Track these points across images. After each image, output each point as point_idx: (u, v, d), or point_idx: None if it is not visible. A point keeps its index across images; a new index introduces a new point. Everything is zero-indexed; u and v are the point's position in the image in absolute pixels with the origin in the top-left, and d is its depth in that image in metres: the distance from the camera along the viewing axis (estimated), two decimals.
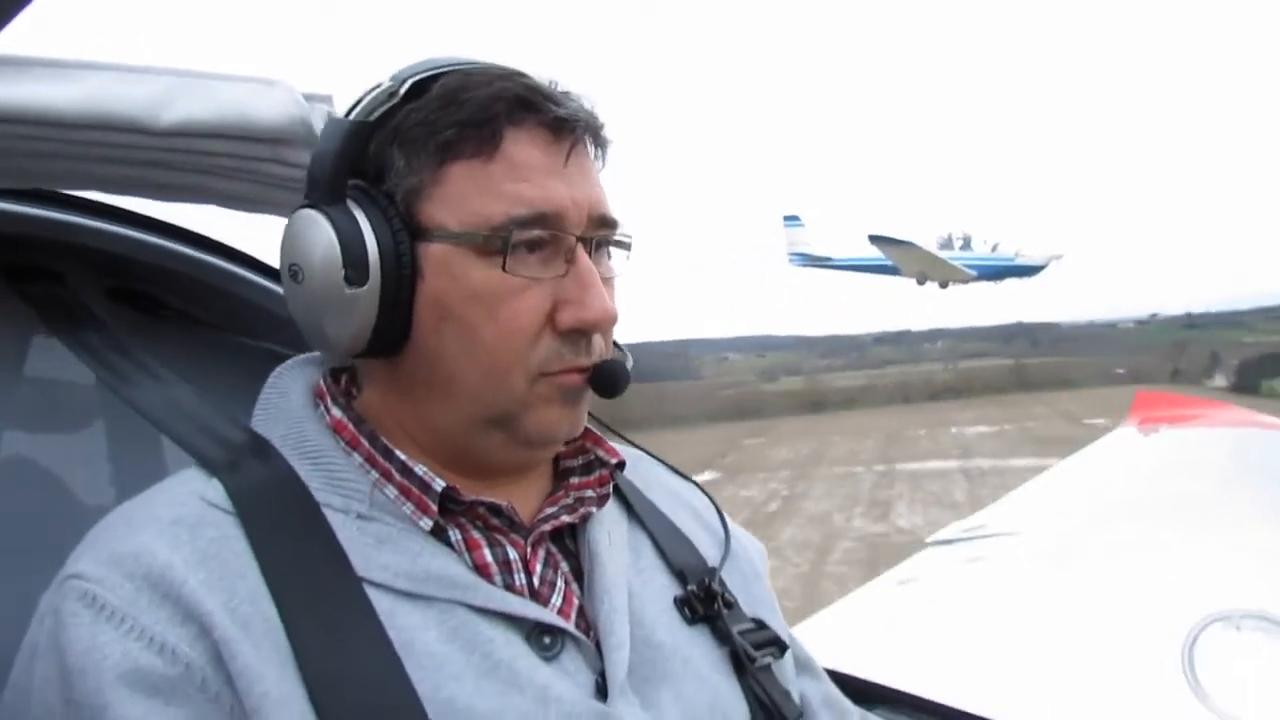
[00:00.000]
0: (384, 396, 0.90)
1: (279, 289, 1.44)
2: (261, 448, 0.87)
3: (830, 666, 1.16)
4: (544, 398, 0.85)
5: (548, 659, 0.83)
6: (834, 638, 2.26)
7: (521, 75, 0.87)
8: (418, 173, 0.84)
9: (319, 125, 1.12)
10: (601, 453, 0.96)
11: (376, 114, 0.85)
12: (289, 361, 0.96)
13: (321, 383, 0.93)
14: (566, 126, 0.85)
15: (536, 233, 0.83)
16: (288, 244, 0.87)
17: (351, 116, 0.86)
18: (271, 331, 1.41)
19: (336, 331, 0.85)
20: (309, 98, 1.12)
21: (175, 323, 1.42)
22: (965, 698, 1.66)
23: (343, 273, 0.83)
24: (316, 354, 0.97)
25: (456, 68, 0.87)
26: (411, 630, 0.78)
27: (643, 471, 1.07)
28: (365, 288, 0.83)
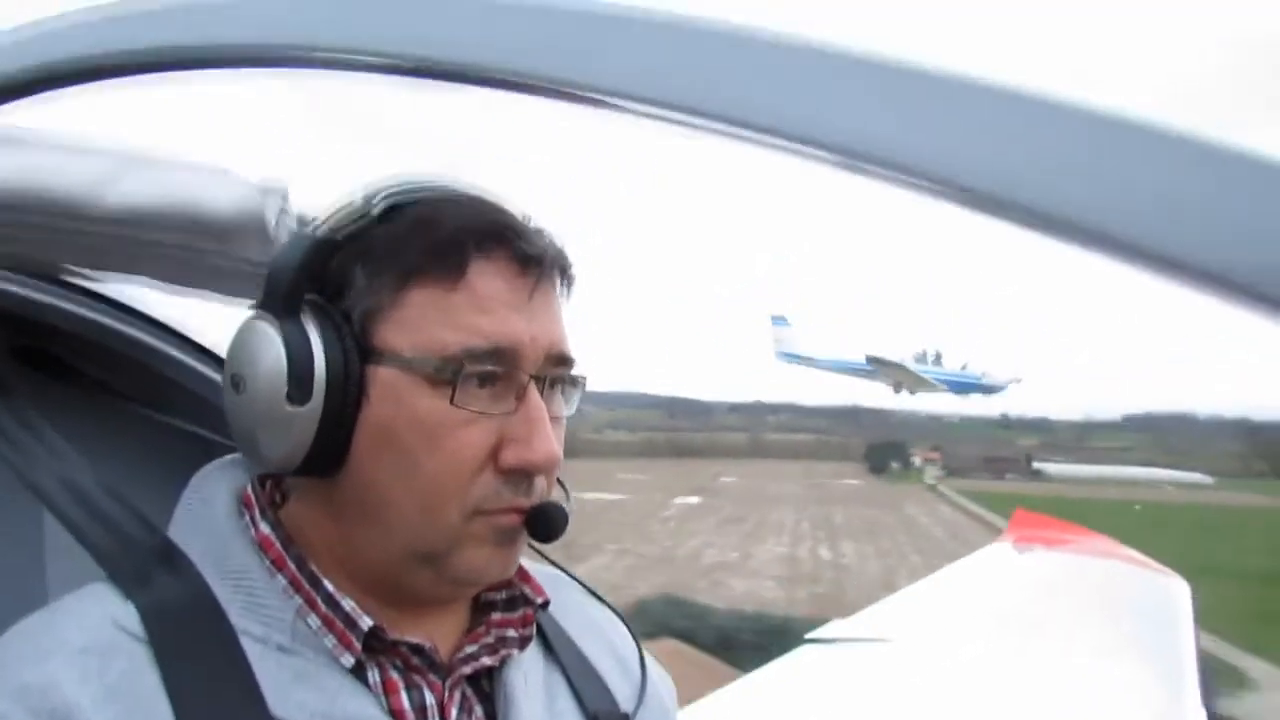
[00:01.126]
0: (313, 516, 0.87)
1: (203, 368, 1.38)
2: (177, 561, 0.83)
3: None
4: (477, 537, 0.83)
5: None
6: None
7: (495, 206, 0.86)
8: (377, 293, 0.82)
9: (272, 218, 1.08)
10: (527, 590, 0.94)
11: (344, 232, 0.83)
12: (214, 463, 0.92)
13: (249, 490, 0.89)
14: (534, 262, 0.84)
15: (489, 367, 0.81)
16: (234, 352, 0.84)
17: (319, 231, 0.84)
18: (196, 414, 1.33)
19: (271, 447, 0.82)
20: (262, 190, 1.07)
21: (87, 393, 1.33)
22: None
23: (285, 390, 0.80)
24: (241, 456, 0.93)
25: (431, 190, 0.85)
26: None
27: (562, 598, 1.03)
28: (307, 407, 0.80)
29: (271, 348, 0.81)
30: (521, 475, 0.83)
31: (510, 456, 0.82)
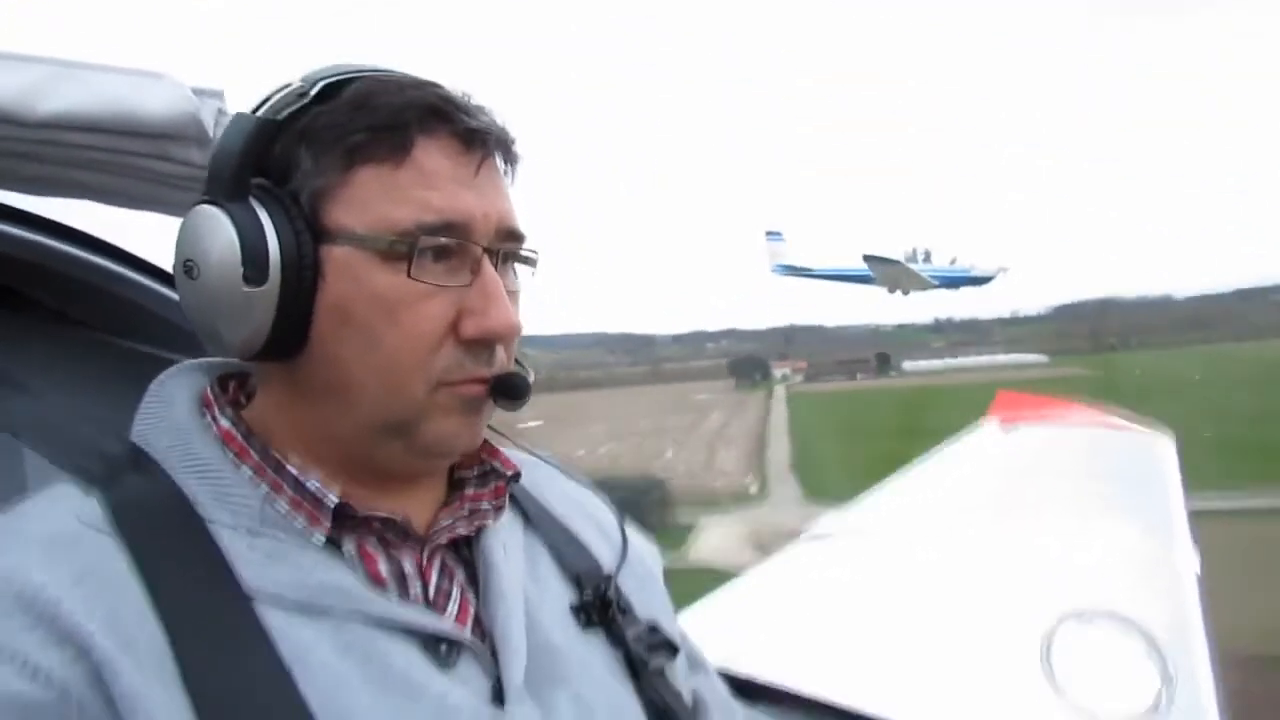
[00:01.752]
0: (279, 402, 0.87)
1: (161, 288, 1.37)
2: (143, 461, 0.84)
3: (716, 665, 1.18)
4: (443, 407, 0.84)
5: (444, 668, 0.82)
6: (716, 630, 2.29)
7: (435, 85, 0.86)
8: (324, 174, 0.82)
9: (210, 121, 1.08)
10: (498, 464, 0.95)
11: (285, 113, 0.83)
12: (173, 368, 0.92)
13: (208, 391, 0.90)
14: (478, 138, 0.85)
15: (443, 241, 0.82)
16: (184, 239, 0.84)
17: (258, 114, 0.84)
18: (153, 333, 1.34)
19: (231, 332, 0.82)
20: (199, 92, 1.07)
21: (45, 322, 1.33)
22: (839, 692, 1.70)
23: (241, 271, 0.80)
24: (203, 360, 0.93)
25: (370, 73, 0.86)
26: (304, 645, 0.77)
27: (540, 478, 1.06)
28: (264, 288, 0.81)
29: (222, 231, 0.81)
30: (482, 345, 0.84)
31: (470, 327, 0.83)
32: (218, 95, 1.09)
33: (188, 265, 0.83)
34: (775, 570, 3.15)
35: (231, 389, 0.91)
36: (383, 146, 0.82)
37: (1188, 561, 2.84)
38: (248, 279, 0.80)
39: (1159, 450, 3.93)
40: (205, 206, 0.83)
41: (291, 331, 0.82)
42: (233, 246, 0.80)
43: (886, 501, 3.74)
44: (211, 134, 1.08)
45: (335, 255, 0.82)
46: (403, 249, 0.81)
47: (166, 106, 1.04)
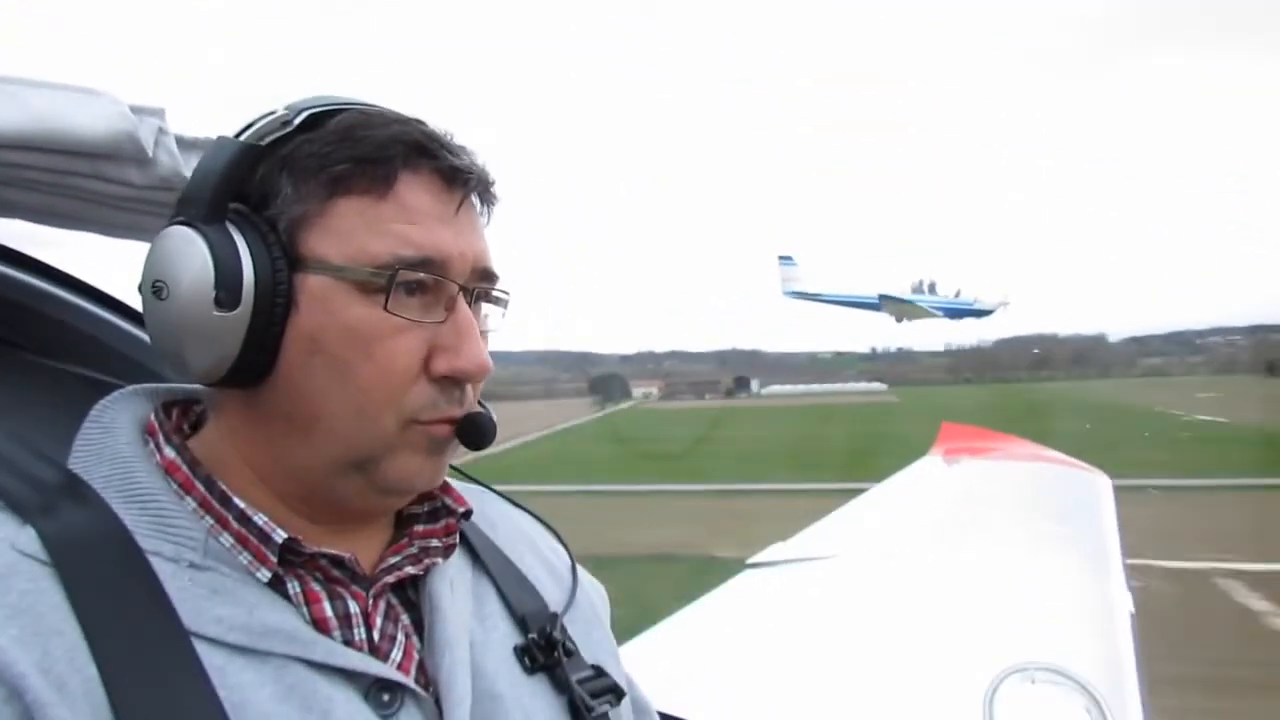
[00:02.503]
0: (234, 431, 0.85)
1: (96, 309, 1.33)
2: (79, 490, 0.81)
3: (660, 708, 1.17)
4: (411, 445, 0.84)
5: (387, 716, 0.81)
6: (659, 667, 2.28)
7: (419, 122, 0.86)
8: (304, 202, 0.82)
9: (149, 140, 1.05)
10: (449, 500, 0.94)
11: (268, 139, 0.83)
12: (114, 394, 0.89)
13: (152, 418, 0.87)
14: (460, 177, 0.85)
15: (420, 276, 0.82)
16: (155, 259, 0.82)
17: (242, 138, 0.83)
18: (86, 356, 1.30)
19: (198, 356, 0.81)
20: (137, 110, 1.04)
21: None
22: None
23: (214, 295, 0.79)
24: (146, 386, 0.91)
25: (355, 106, 0.86)
26: (244, 689, 0.75)
27: (490, 512, 1.05)
28: (235, 313, 0.79)
29: (196, 253, 0.80)
30: (453, 383, 0.84)
31: (442, 364, 0.83)
32: (157, 114, 1.06)
33: (156, 286, 0.81)
34: (720, 599, 3.16)
35: (175, 416, 0.89)
36: (365, 179, 0.82)
37: (1122, 600, 2.91)
38: (219, 303, 0.79)
39: (1096, 487, 4.03)
40: (179, 227, 0.82)
41: (258, 359, 0.81)
42: (206, 269, 0.79)
43: (832, 530, 3.77)
44: (150, 153, 1.05)
45: (310, 284, 0.81)
46: (380, 282, 0.81)
47: (103, 124, 1.02)
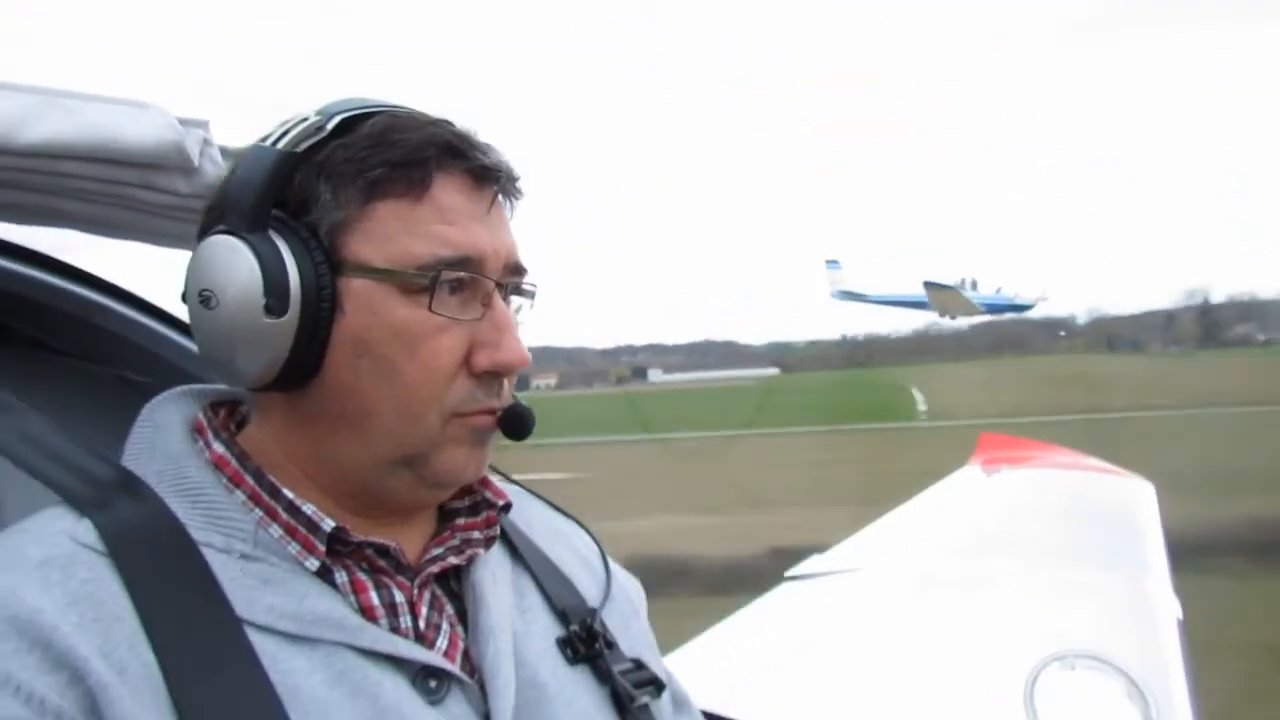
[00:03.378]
0: (279, 431, 0.87)
1: (142, 318, 1.37)
2: (133, 485, 0.83)
3: (701, 706, 1.18)
4: (455, 438, 0.86)
5: (434, 702, 0.82)
6: (701, 674, 2.29)
7: (448, 123, 0.88)
8: (344, 207, 0.83)
9: (194, 151, 1.08)
10: (489, 494, 0.96)
11: (303, 146, 0.84)
12: (163, 395, 0.92)
13: (200, 417, 0.90)
14: (490, 175, 0.87)
15: (461, 275, 0.84)
16: (200, 269, 0.84)
17: (278, 146, 0.85)
18: (135, 362, 1.34)
19: (248, 362, 0.83)
20: (184, 122, 1.08)
21: (23, 350, 1.32)
22: None
23: (264, 302, 0.81)
24: (193, 387, 0.94)
25: (385, 109, 0.87)
26: (296, 674, 0.77)
27: (526, 510, 1.06)
28: (285, 319, 0.81)
29: (244, 261, 0.82)
30: (493, 377, 0.86)
31: (483, 359, 0.85)
32: (203, 125, 1.09)
33: (204, 295, 0.83)
34: (761, 610, 3.15)
35: (223, 415, 0.91)
36: (402, 182, 0.83)
37: (1168, 606, 2.87)
38: (269, 310, 0.81)
39: (1138, 494, 3.97)
40: (224, 237, 0.83)
41: (306, 363, 0.83)
42: (254, 277, 0.81)
43: (872, 541, 3.75)
44: (196, 163, 1.08)
45: (354, 287, 0.83)
46: (423, 282, 0.83)
47: (152, 136, 1.05)
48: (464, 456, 0.87)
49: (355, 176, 0.83)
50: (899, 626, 2.86)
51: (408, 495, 0.88)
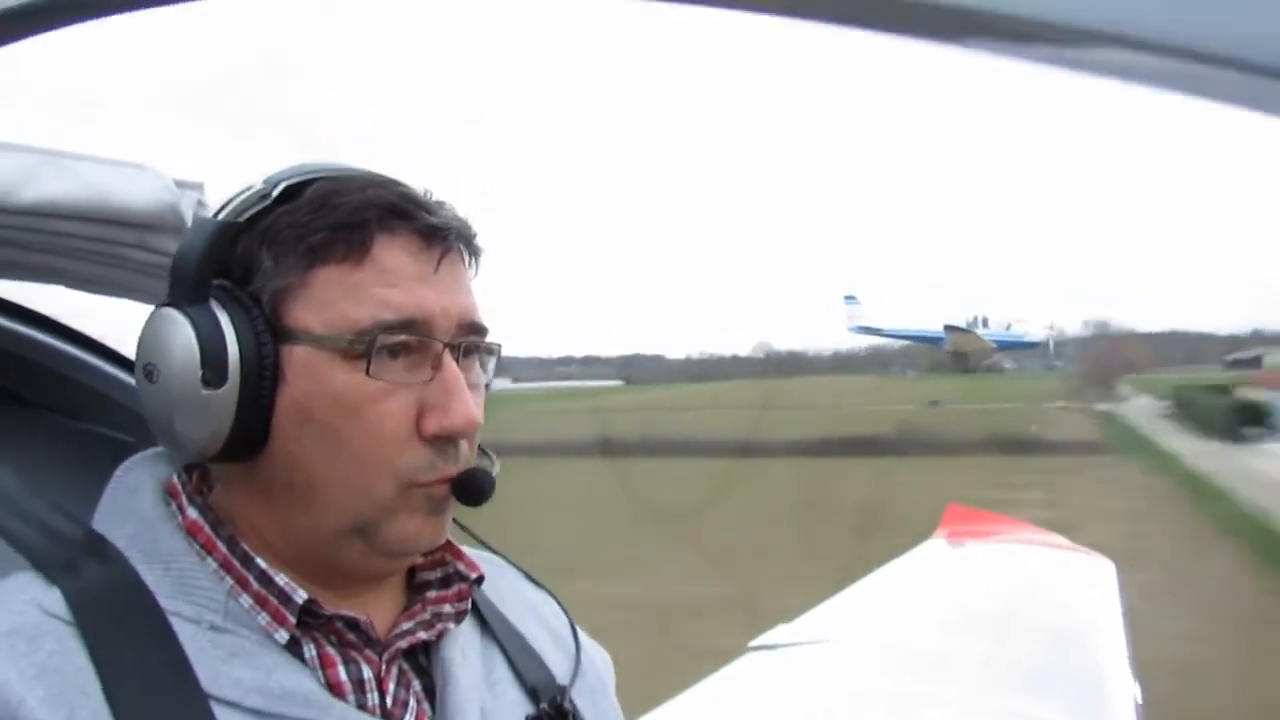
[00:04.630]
0: (239, 499, 0.87)
1: (118, 373, 1.37)
2: (103, 550, 0.82)
3: None
4: (410, 507, 0.84)
5: None
6: None
7: (396, 183, 0.87)
8: (285, 275, 0.83)
9: (189, 213, 1.10)
10: (461, 566, 0.95)
11: (246, 215, 0.84)
12: (136, 457, 0.91)
13: (174, 479, 0.89)
14: (438, 234, 0.86)
15: (401, 338, 0.83)
16: (144, 343, 0.84)
17: (221, 216, 0.85)
18: (111, 417, 1.34)
19: (190, 434, 0.82)
20: (180, 184, 1.10)
21: None
22: None
23: (200, 374, 0.80)
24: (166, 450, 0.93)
25: (331, 173, 0.87)
26: None
27: (498, 581, 1.05)
28: (223, 390, 0.81)
29: (181, 333, 0.81)
30: (445, 441, 0.84)
31: (431, 424, 0.83)
32: (197, 187, 1.11)
33: (148, 369, 0.83)
34: (725, 681, 3.14)
35: (196, 479, 0.90)
36: (342, 245, 0.82)
37: (1127, 689, 2.89)
38: (206, 381, 0.80)
39: (1098, 573, 4.02)
40: (165, 309, 0.83)
41: (251, 433, 0.82)
42: (191, 349, 0.80)
43: (836, 613, 3.76)
44: (189, 224, 1.09)
45: (296, 355, 0.82)
46: (361, 347, 0.81)
47: (148, 197, 1.07)
48: (418, 525, 0.85)
49: (296, 242, 0.83)
50: (866, 703, 2.87)
51: (362, 565, 0.86)
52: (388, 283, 0.83)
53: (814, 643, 3.42)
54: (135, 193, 1.06)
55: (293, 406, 0.82)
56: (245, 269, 0.84)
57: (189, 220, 1.10)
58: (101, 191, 1.04)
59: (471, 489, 0.86)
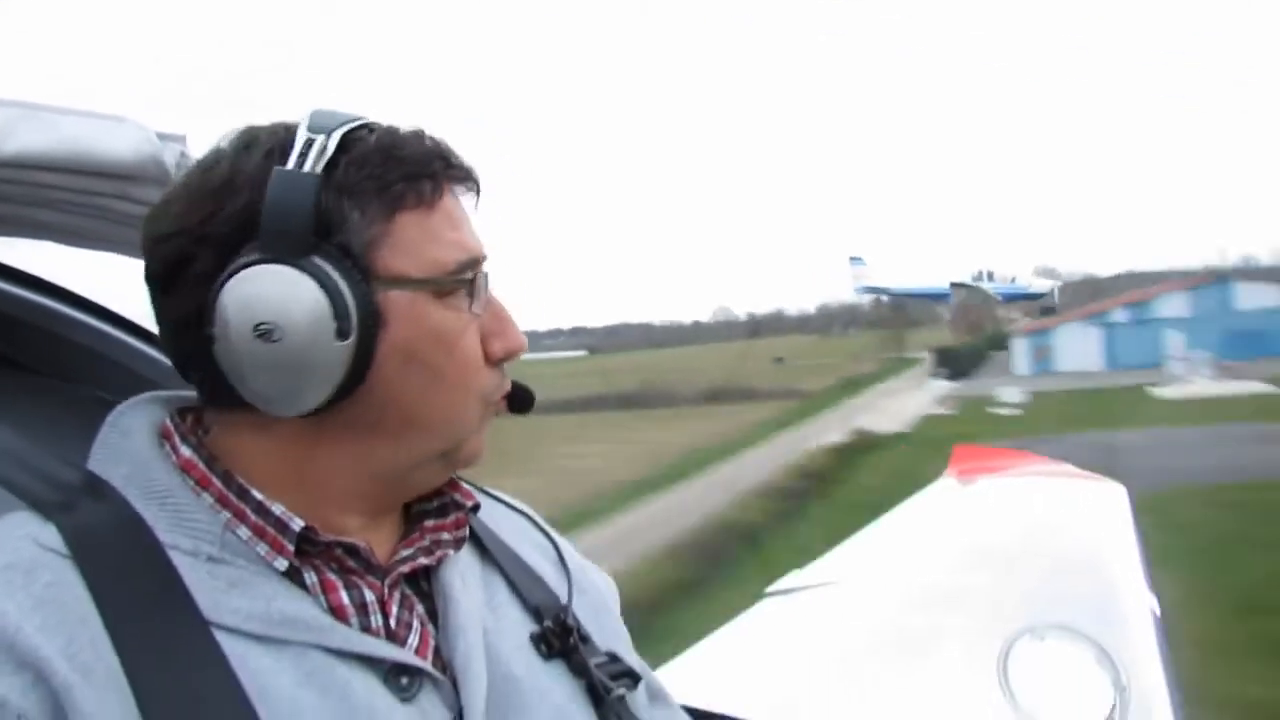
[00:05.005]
0: (271, 447, 0.86)
1: (114, 330, 1.38)
2: (99, 488, 0.83)
3: (683, 702, 1.18)
4: (485, 423, 0.93)
5: (405, 699, 0.83)
6: (686, 682, 2.30)
7: (423, 132, 0.91)
8: (371, 224, 0.85)
9: (172, 164, 1.10)
10: (457, 496, 0.97)
11: (318, 166, 0.83)
12: (129, 401, 0.92)
13: (167, 422, 0.90)
14: (470, 181, 0.93)
15: (473, 274, 0.89)
16: (252, 303, 0.80)
17: (300, 169, 0.83)
18: (105, 378, 1.34)
19: (317, 389, 0.82)
20: (162, 136, 1.10)
21: None
22: None
23: (334, 326, 0.81)
24: (160, 394, 0.93)
25: (366, 122, 0.87)
26: (265, 675, 0.77)
27: (493, 510, 1.08)
28: (351, 341, 0.82)
29: (305, 289, 0.80)
30: (504, 362, 0.93)
31: (498, 348, 0.92)
32: (180, 140, 1.11)
33: (263, 330, 0.80)
34: (740, 627, 3.15)
35: (190, 421, 0.91)
36: (415, 193, 0.86)
37: (1145, 600, 2.90)
38: (341, 333, 0.81)
39: (1111, 498, 4.02)
40: (274, 266, 0.81)
41: (358, 379, 0.84)
42: (320, 304, 0.80)
43: (849, 557, 3.76)
44: (173, 175, 1.09)
45: (394, 299, 0.85)
46: (455, 285, 0.87)
47: (129, 148, 1.07)
48: (483, 439, 0.94)
49: (379, 193, 0.85)
50: (883, 640, 2.88)
51: (428, 483, 0.94)
52: (453, 226, 0.89)
53: (828, 585, 3.43)
54: (116, 144, 1.07)
55: (396, 349, 0.85)
56: (329, 223, 0.83)
57: (172, 171, 1.10)
58: (82, 143, 1.04)
59: (526, 399, 0.98)
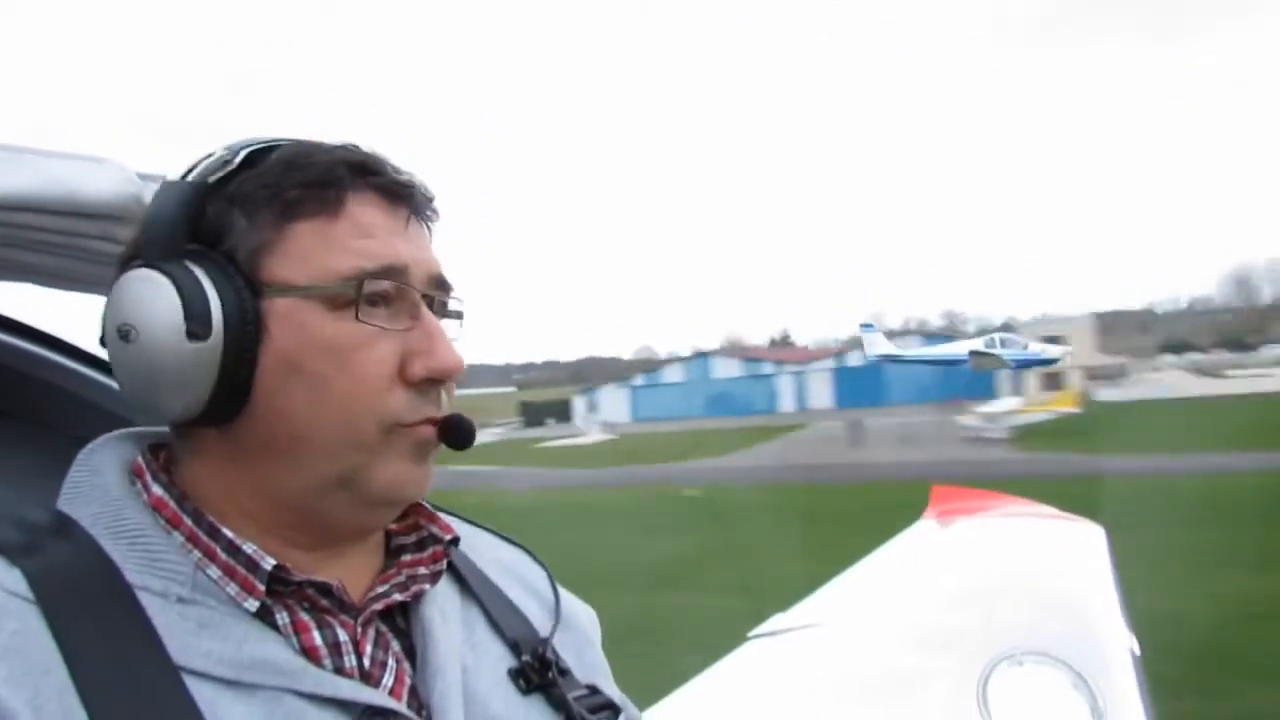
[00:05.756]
0: (214, 469, 0.86)
1: (83, 369, 1.36)
2: (67, 529, 0.81)
3: None
4: (395, 450, 0.84)
5: None
6: None
7: (355, 146, 0.89)
8: (260, 232, 0.83)
9: None
10: (435, 529, 0.96)
11: (213, 178, 0.85)
12: (99, 439, 0.90)
13: (139, 459, 0.88)
14: (403, 192, 0.88)
15: (385, 285, 0.84)
16: (117, 305, 0.83)
17: (188, 179, 0.85)
18: (74, 417, 1.32)
19: (174, 393, 0.81)
20: (143, 176, 1.10)
21: None
22: None
23: (184, 327, 0.80)
24: (131, 431, 0.92)
25: (288, 141, 0.88)
26: None
27: (474, 543, 1.06)
28: (208, 342, 0.80)
29: (161, 290, 0.81)
30: (430, 385, 0.85)
31: (418, 368, 0.84)
32: (159, 179, 1.12)
33: (123, 330, 0.81)
34: (724, 670, 3.14)
35: (162, 458, 0.90)
36: (316, 201, 0.84)
37: (1123, 640, 2.91)
38: (191, 334, 0.80)
39: (1089, 539, 4.04)
40: (140, 270, 0.83)
41: (234, 390, 0.81)
42: (173, 304, 0.80)
43: (832, 598, 3.76)
44: None
45: (278, 307, 0.82)
46: (349, 294, 0.82)
47: (111, 188, 1.07)
48: (404, 470, 0.85)
49: (270, 200, 0.84)
50: (868, 681, 2.88)
51: (348, 518, 0.86)
52: (364, 234, 0.85)
53: (811, 627, 3.43)
54: (98, 184, 1.07)
55: (278, 359, 0.82)
56: (216, 231, 0.84)
57: None
58: (64, 184, 1.04)
59: (461, 431, 0.87)
